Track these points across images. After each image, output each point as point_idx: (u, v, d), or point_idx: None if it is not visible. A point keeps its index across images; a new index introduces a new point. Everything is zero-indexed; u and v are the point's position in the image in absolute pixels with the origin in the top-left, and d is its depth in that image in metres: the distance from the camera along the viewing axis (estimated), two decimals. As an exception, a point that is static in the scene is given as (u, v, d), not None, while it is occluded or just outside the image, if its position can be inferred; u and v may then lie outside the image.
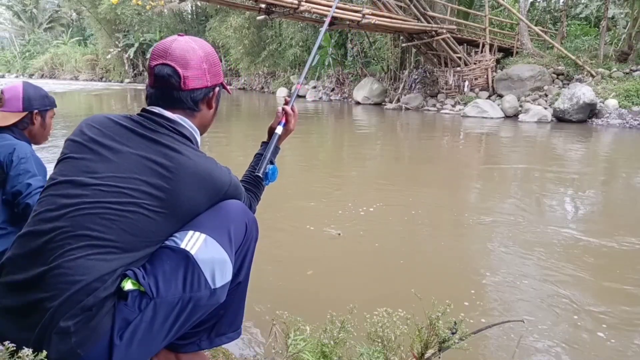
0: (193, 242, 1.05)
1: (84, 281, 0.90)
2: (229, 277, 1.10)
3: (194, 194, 1.04)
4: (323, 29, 1.78)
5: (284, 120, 1.45)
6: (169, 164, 1.01)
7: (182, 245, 1.04)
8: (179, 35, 1.12)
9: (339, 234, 1.93)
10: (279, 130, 1.44)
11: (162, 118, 1.08)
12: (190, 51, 1.08)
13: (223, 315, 1.19)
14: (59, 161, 1.05)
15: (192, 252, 1.04)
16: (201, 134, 1.19)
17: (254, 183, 1.35)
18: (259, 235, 1.23)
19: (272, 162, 1.40)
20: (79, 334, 0.89)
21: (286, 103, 1.48)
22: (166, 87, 1.08)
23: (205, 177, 1.05)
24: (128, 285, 0.95)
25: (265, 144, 1.45)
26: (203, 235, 1.06)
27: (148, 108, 1.09)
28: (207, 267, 1.04)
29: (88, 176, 0.99)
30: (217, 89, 1.16)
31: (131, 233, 0.97)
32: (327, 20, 1.88)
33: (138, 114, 1.09)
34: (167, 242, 1.06)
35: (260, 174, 1.33)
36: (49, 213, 0.96)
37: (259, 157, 1.40)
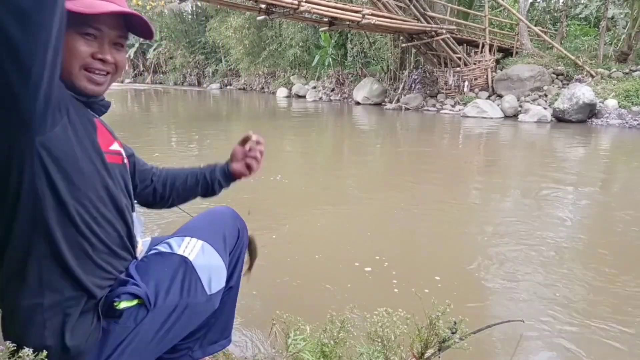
0: (190, 248, 1.04)
1: None
2: (223, 283, 1.09)
3: None
4: None
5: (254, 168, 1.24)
6: None
7: (179, 251, 1.03)
8: None
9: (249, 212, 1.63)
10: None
11: None
12: None
13: (214, 322, 1.18)
14: None
15: (190, 258, 1.03)
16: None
17: None
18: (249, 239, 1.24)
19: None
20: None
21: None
22: None
23: None
24: (123, 304, 0.91)
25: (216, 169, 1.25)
26: (200, 242, 1.06)
27: None
28: (204, 274, 1.03)
29: None
30: None
31: None
32: None
33: None
34: (161, 249, 1.05)
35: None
36: None
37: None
